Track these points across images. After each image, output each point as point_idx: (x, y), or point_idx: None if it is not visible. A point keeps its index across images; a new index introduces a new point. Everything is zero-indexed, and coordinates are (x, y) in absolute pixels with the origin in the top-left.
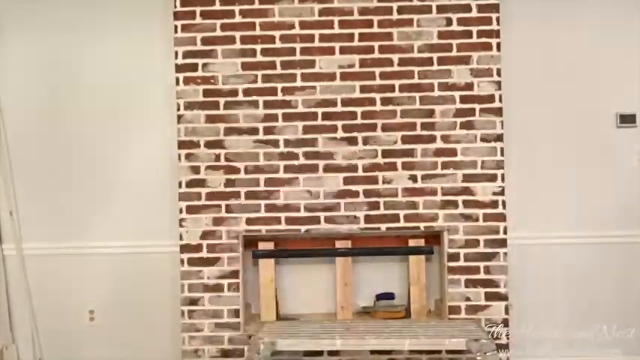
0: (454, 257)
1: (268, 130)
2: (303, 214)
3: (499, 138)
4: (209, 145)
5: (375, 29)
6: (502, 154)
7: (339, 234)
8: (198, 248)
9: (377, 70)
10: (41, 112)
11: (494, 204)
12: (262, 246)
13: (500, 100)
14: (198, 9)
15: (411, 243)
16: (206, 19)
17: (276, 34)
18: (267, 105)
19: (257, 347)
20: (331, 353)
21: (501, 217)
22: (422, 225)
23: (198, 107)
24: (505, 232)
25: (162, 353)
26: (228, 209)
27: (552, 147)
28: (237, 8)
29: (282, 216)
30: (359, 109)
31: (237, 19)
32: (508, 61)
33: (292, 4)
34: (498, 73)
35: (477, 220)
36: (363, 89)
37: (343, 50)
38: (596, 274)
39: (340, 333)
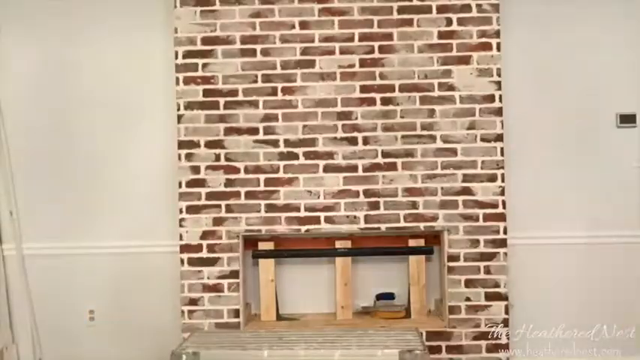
0: (454, 257)
1: (268, 130)
2: (303, 214)
3: (499, 138)
4: (209, 145)
5: (375, 29)
6: (502, 154)
7: (339, 234)
8: (198, 248)
9: (377, 70)
10: (41, 111)
11: (494, 204)
12: (262, 246)
13: (501, 100)
14: (198, 9)
15: (411, 243)
16: (206, 19)
17: (276, 34)
18: (267, 105)
19: (179, 357)
20: None
21: (501, 217)
22: (422, 225)
23: (198, 107)
24: (505, 232)
25: (162, 353)
26: (228, 209)
27: (552, 147)
28: (237, 8)
29: (282, 216)
30: (359, 109)
31: (237, 19)
32: (508, 61)
33: (292, 4)
34: (498, 73)
35: (477, 220)
36: (363, 89)
37: (343, 50)
38: (596, 274)
39: (270, 343)
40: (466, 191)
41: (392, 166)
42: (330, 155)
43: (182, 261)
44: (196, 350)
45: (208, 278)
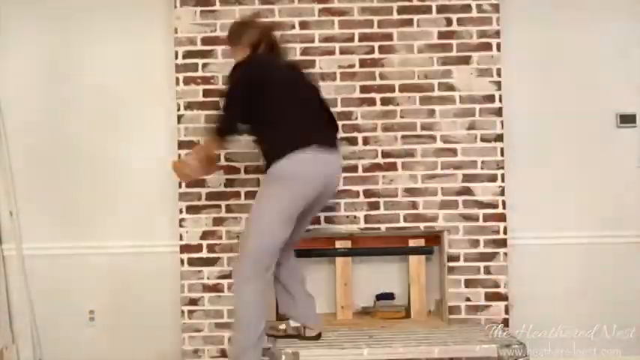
0: (454, 257)
1: None
2: None
3: (499, 138)
4: None
5: (375, 29)
6: (502, 154)
7: (339, 234)
8: (198, 248)
9: (377, 70)
10: (41, 111)
11: (494, 204)
12: None
13: (500, 100)
14: (198, 9)
15: (411, 243)
16: (206, 19)
17: (276, 34)
18: None
19: (278, 358)
20: None
21: (501, 217)
22: (422, 225)
23: (198, 107)
24: (505, 232)
25: (163, 353)
26: (228, 209)
27: (552, 147)
28: (237, 8)
29: None
30: (359, 109)
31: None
32: (508, 61)
33: (292, 4)
34: (498, 73)
35: (477, 220)
36: (363, 89)
37: (343, 50)
38: (596, 274)
39: (365, 341)
40: (466, 191)
41: (392, 166)
42: None
43: (182, 261)
44: (295, 350)
45: (208, 278)
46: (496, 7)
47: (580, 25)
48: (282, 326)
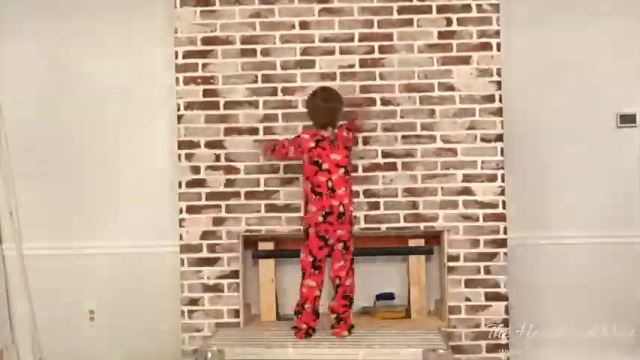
0: (454, 257)
1: (268, 130)
2: (303, 214)
3: (499, 138)
4: (209, 145)
5: (375, 29)
6: (502, 154)
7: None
8: (198, 248)
9: (377, 70)
10: (41, 111)
11: (494, 204)
12: (262, 246)
13: (500, 100)
14: (198, 9)
15: (411, 243)
16: (206, 19)
17: (276, 34)
18: (267, 105)
19: (204, 355)
20: None
21: (501, 217)
22: (422, 225)
23: (198, 107)
24: (505, 232)
25: (163, 353)
26: (228, 209)
27: (552, 147)
28: (237, 8)
29: (282, 216)
30: (359, 109)
31: (237, 19)
32: (508, 61)
33: (292, 4)
34: (498, 73)
35: (477, 220)
36: (363, 89)
37: (343, 50)
38: (596, 274)
39: (294, 341)
40: (466, 191)
41: (392, 166)
42: None
43: (182, 261)
44: (221, 348)
45: (208, 278)
46: (496, 7)
47: (580, 25)
48: None
